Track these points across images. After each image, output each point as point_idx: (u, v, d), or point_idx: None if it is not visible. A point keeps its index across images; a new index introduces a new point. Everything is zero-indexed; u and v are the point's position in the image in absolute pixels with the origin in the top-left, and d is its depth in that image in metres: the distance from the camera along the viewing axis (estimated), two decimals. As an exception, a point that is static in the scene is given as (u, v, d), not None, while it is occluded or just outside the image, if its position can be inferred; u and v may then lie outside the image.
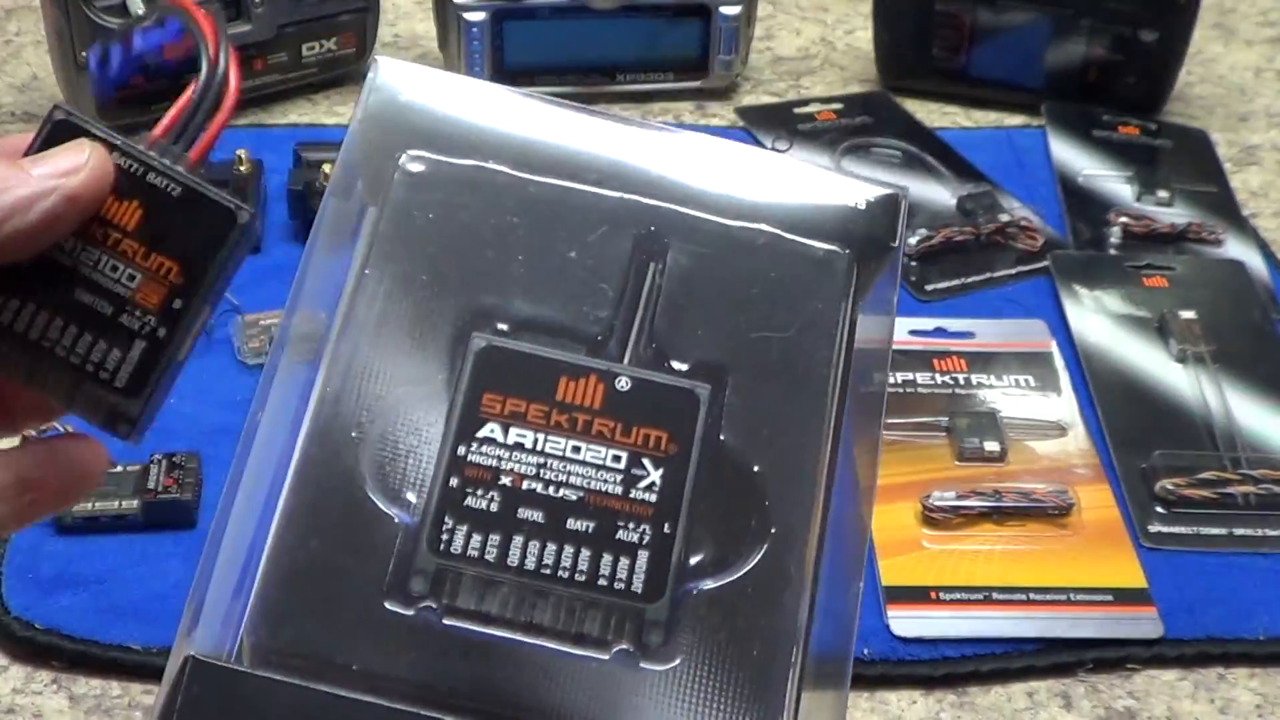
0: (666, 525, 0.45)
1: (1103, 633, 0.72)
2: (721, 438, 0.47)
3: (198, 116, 0.43)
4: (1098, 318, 0.93)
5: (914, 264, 0.98)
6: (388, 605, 0.44)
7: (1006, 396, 0.86)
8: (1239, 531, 0.78)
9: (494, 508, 0.45)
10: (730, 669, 0.44)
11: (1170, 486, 0.80)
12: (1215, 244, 1.01)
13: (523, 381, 0.46)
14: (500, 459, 0.45)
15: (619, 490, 0.45)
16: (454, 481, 0.45)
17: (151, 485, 0.69)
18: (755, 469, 0.46)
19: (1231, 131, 1.12)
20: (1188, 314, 0.92)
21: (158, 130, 0.43)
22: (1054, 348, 0.90)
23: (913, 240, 0.98)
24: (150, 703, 0.59)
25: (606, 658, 0.44)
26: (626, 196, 0.49)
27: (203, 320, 0.42)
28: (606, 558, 0.44)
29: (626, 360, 0.47)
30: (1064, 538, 0.77)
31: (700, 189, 0.50)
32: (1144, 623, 0.73)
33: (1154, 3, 1.08)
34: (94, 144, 0.42)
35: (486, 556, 0.44)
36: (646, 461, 0.46)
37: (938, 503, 0.78)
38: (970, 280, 0.97)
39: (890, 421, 0.83)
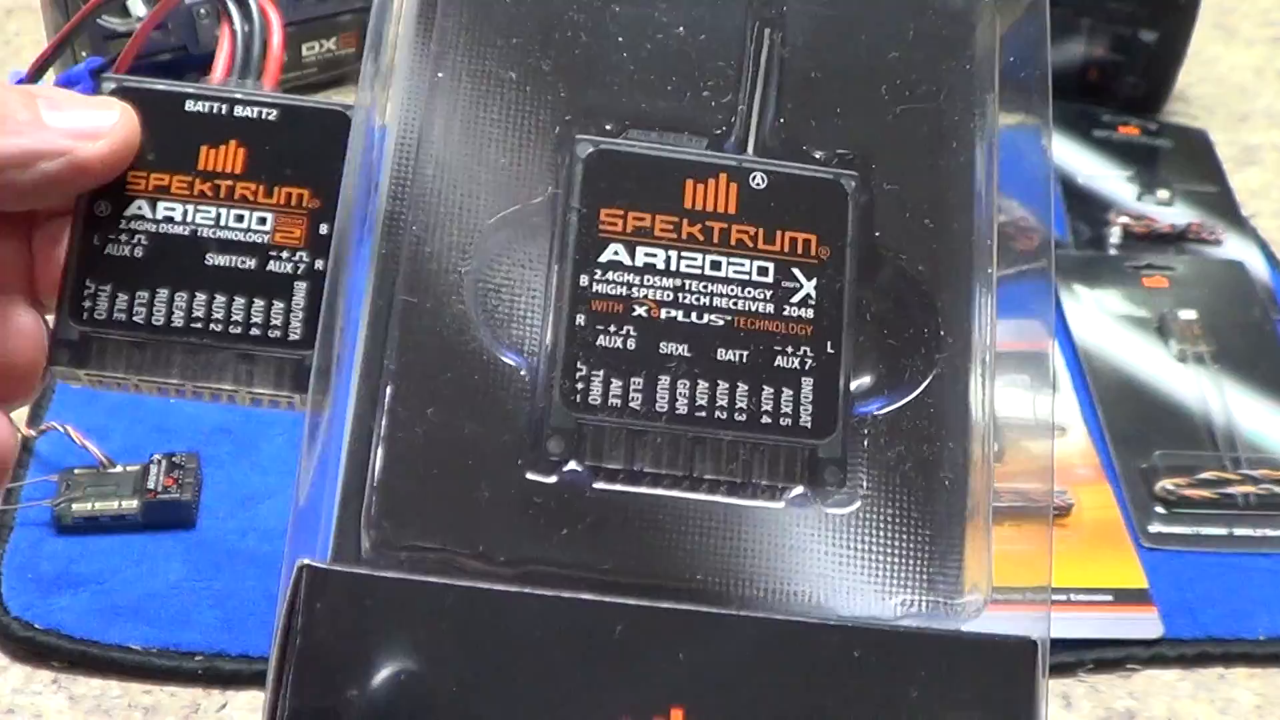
0: (829, 345, 0.39)
1: (1103, 633, 0.70)
2: (877, 235, 0.40)
3: (254, 46, 0.41)
4: (1098, 318, 0.91)
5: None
6: (529, 475, 0.37)
7: (1004, 396, 0.82)
8: (1239, 531, 0.77)
9: (631, 345, 0.38)
10: (919, 504, 0.38)
11: (1170, 486, 0.78)
12: (1215, 244, 0.99)
13: (643, 189, 0.39)
14: (631, 286, 0.38)
15: (770, 309, 0.39)
16: (580, 319, 0.38)
17: (151, 485, 0.67)
18: (919, 268, 0.40)
19: (1231, 131, 1.10)
20: (1188, 314, 0.91)
21: (219, 72, 0.40)
22: (1052, 348, 0.86)
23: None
24: (150, 703, 0.58)
25: (781, 505, 0.38)
26: None
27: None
28: (767, 390, 0.38)
29: (752, 151, 0.40)
30: (1063, 538, 0.75)
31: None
32: (1144, 623, 0.71)
33: (1154, 3, 1.06)
34: (126, 107, 0.38)
35: (631, 404, 0.38)
36: (797, 271, 0.39)
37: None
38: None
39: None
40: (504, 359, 0.38)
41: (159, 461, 0.68)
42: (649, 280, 0.38)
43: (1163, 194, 1.04)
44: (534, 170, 0.39)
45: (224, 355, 0.38)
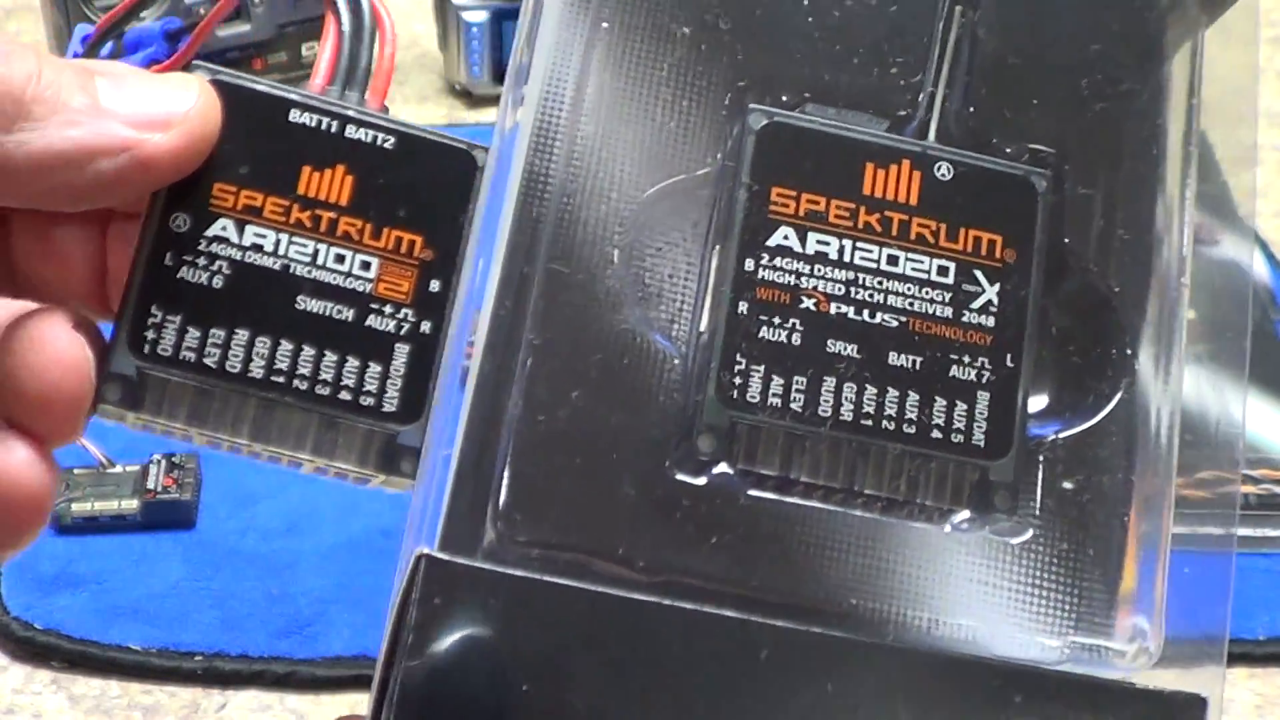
0: (1009, 357, 0.35)
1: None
2: (1066, 241, 0.36)
3: (360, 54, 0.34)
4: None
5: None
6: (677, 475, 0.33)
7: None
8: (1239, 531, 0.74)
9: (796, 340, 0.34)
10: (1094, 540, 0.35)
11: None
12: (1215, 244, 0.96)
13: (820, 170, 0.35)
14: (800, 275, 0.35)
15: (949, 313, 0.35)
16: (743, 307, 0.34)
17: (151, 485, 0.68)
18: (1109, 282, 0.36)
19: (1231, 131, 1.08)
20: (1188, 314, 0.88)
21: (320, 79, 0.34)
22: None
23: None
24: (150, 703, 0.58)
25: (945, 529, 0.34)
26: None
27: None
28: (939, 402, 0.35)
29: (935, 138, 0.36)
30: (1063, 538, 0.73)
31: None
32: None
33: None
34: (208, 88, 0.32)
35: (792, 405, 0.34)
36: (979, 274, 0.35)
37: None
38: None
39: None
40: (656, 344, 0.34)
41: (159, 461, 0.68)
42: (820, 270, 0.35)
43: None
44: (701, 138, 0.35)
45: (304, 418, 0.32)
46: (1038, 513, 0.35)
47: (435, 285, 0.33)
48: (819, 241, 0.35)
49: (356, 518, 0.66)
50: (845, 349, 0.34)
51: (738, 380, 0.34)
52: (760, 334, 0.34)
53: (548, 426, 0.33)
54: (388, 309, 0.33)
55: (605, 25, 0.36)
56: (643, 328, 0.34)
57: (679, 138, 0.35)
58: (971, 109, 0.36)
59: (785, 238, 0.35)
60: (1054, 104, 0.37)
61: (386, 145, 0.33)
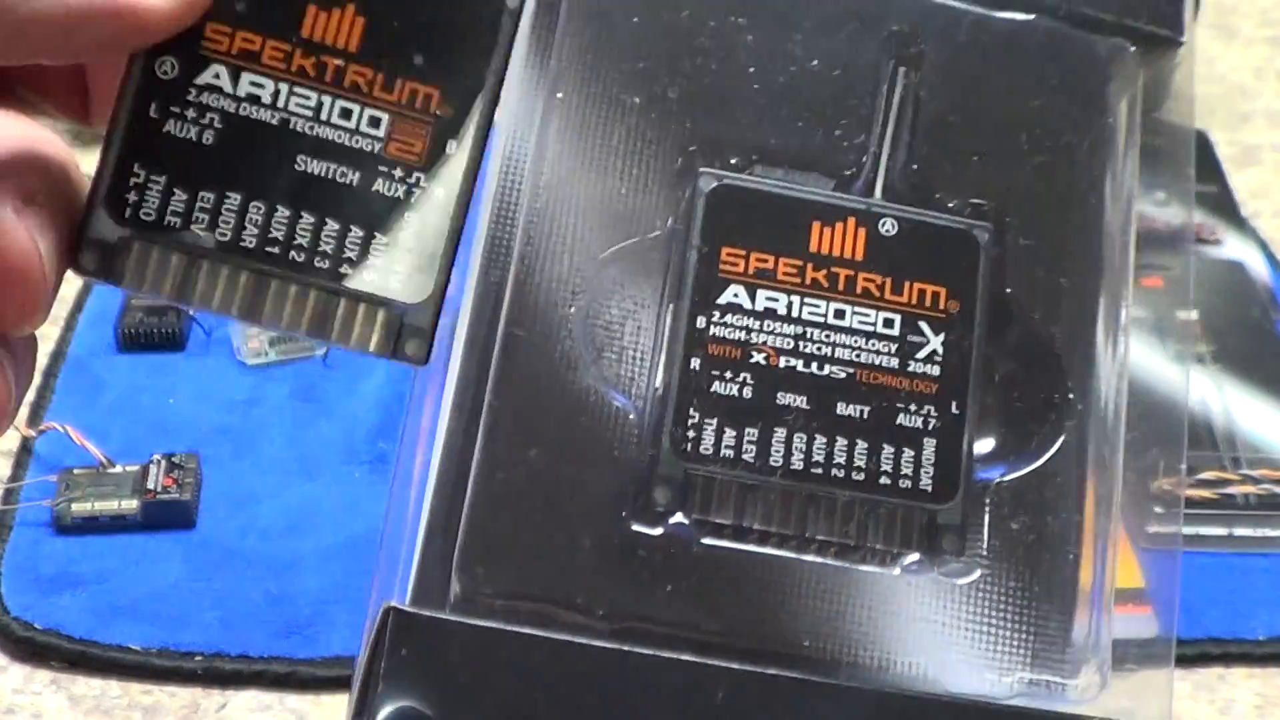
0: (955, 405, 0.37)
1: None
2: (1008, 291, 0.38)
3: None
4: None
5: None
6: (633, 526, 0.35)
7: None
8: (1239, 531, 0.75)
9: (747, 393, 0.36)
10: (1040, 578, 0.36)
11: (1169, 486, 0.75)
12: (1215, 244, 0.97)
13: (768, 229, 0.37)
14: (750, 330, 0.36)
15: (895, 363, 0.37)
16: (695, 363, 0.36)
17: (151, 485, 0.66)
18: (1051, 329, 0.38)
19: (1231, 131, 1.08)
20: (1188, 314, 0.89)
21: None
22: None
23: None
24: (150, 703, 0.58)
25: (896, 572, 0.36)
26: None
27: (478, 167, 0.29)
28: (887, 450, 0.36)
29: (881, 195, 0.38)
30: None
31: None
32: (1142, 623, 0.69)
33: (1154, 3, 1.04)
34: None
35: (745, 456, 0.36)
36: (924, 325, 0.37)
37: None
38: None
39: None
40: (612, 401, 0.36)
41: (159, 461, 0.67)
42: (769, 326, 0.36)
43: (1161, 194, 1.02)
44: (653, 202, 0.37)
45: (303, 292, 0.29)
46: (985, 553, 0.36)
47: (452, 146, 0.29)
48: (768, 298, 0.36)
49: (356, 518, 0.66)
50: (795, 401, 0.36)
51: (691, 433, 0.36)
52: (712, 388, 0.36)
53: (507, 483, 0.35)
54: (398, 172, 0.29)
55: (560, 96, 0.37)
56: (599, 385, 0.36)
57: (632, 202, 0.37)
58: (915, 166, 0.38)
59: (735, 295, 0.36)
60: (995, 159, 0.38)
61: None
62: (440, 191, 0.29)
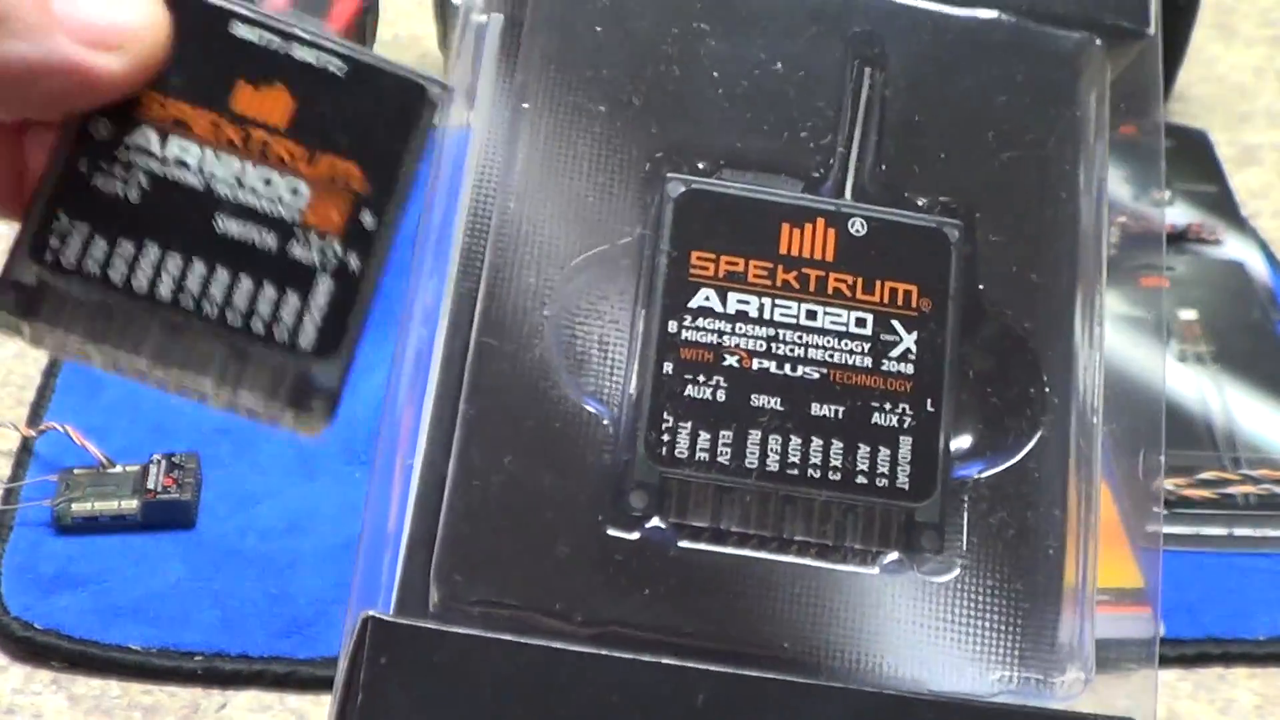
0: (929, 402, 0.37)
1: (1101, 632, 0.69)
2: (980, 288, 0.38)
3: None
4: None
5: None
6: (609, 531, 0.35)
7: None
8: (1239, 531, 0.75)
9: (721, 396, 0.36)
10: (1020, 574, 0.36)
11: (1170, 486, 0.76)
12: (1215, 244, 0.98)
13: (736, 233, 0.37)
14: (722, 333, 0.36)
15: (868, 363, 0.37)
16: (668, 367, 0.36)
17: (151, 485, 0.66)
18: (1025, 324, 0.38)
19: (1231, 131, 1.09)
20: (1188, 314, 0.89)
21: None
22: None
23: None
24: (150, 703, 0.58)
25: (875, 571, 0.36)
26: None
27: (392, 241, 0.31)
28: (863, 449, 0.36)
29: (850, 195, 0.38)
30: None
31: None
32: (1143, 623, 0.69)
33: (1154, 2, 1.05)
34: (158, 2, 0.30)
35: (719, 459, 0.36)
36: (896, 323, 0.37)
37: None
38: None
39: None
40: (586, 407, 0.36)
41: (159, 461, 0.67)
42: (741, 328, 0.36)
43: (1160, 194, 1.03)
44: (622, 209, 0.37)
45: (210, 345, 0.30)
46: (964, 551, 0.36)
47: (368, 219, 0.31)
48: (739, 301, 0.36)
49: (357, 518, 0.67)
50: (769, 402, 0.36)
51: (666, 437, 0.36)
52: (686, 392, 0.36)
53: (483, 491, 0.35)
54: (314, 239, 0.31)
55: (526, 106, 0.37)
56: (573, 392, 0.36)
57: (602, 209, 0.37)
58: (883, 166, 0.38)
59: (706, 299, 0.36)
60: (964, 156, 0.39)
61: (334, 70, 0.31)
62: (354, 261, 0.31)
